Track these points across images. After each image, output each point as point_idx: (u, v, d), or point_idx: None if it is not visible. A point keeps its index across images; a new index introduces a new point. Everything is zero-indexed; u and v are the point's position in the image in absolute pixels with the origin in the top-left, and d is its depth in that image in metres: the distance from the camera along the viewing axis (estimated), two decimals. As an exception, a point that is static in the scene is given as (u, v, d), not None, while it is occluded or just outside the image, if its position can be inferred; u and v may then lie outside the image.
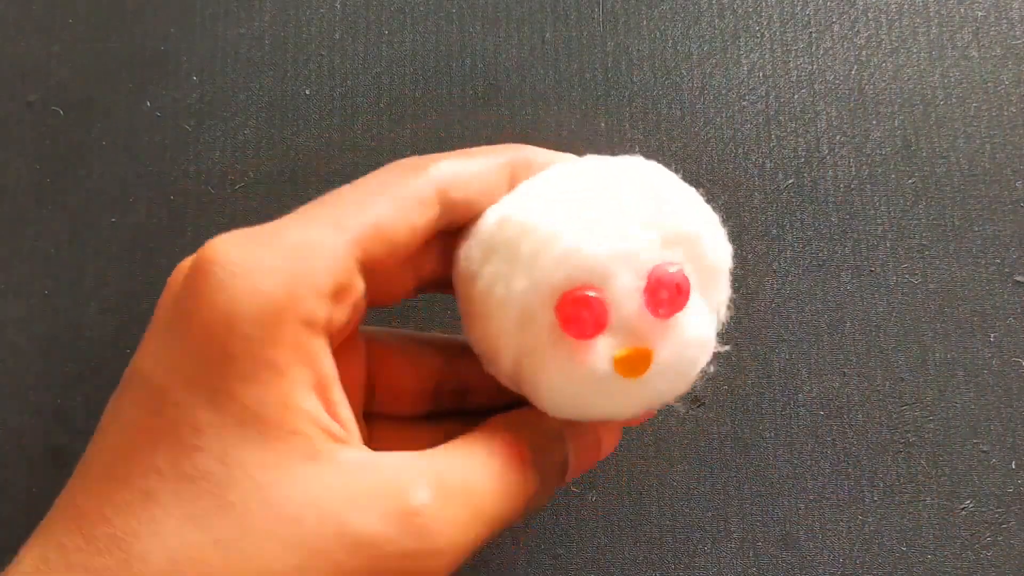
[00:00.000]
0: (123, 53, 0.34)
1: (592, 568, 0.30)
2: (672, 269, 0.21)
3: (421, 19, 0.34)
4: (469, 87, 0.34)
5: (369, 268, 0.21)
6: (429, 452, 0.21)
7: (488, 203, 0.23)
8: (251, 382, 0.19)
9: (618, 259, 0.21)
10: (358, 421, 0.23)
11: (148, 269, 0.32)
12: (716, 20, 0.34)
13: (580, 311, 0.21)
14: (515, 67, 0.34)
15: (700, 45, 0.34)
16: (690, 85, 0.34)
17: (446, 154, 0.23)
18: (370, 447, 0.21)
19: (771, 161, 0.33)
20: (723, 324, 0.23)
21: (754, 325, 0.32)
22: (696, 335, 0.22)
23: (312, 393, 0.20)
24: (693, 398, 0.31)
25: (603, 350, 0.21)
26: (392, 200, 0.21)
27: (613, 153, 0.33)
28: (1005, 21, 0.34)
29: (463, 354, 0.24)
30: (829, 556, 0.30)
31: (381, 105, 0.34)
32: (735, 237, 0.32)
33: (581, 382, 0.22)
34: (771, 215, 0.33)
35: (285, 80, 0.34)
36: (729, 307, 0.24)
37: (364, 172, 0.32)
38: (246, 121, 0.34)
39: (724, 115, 0.33)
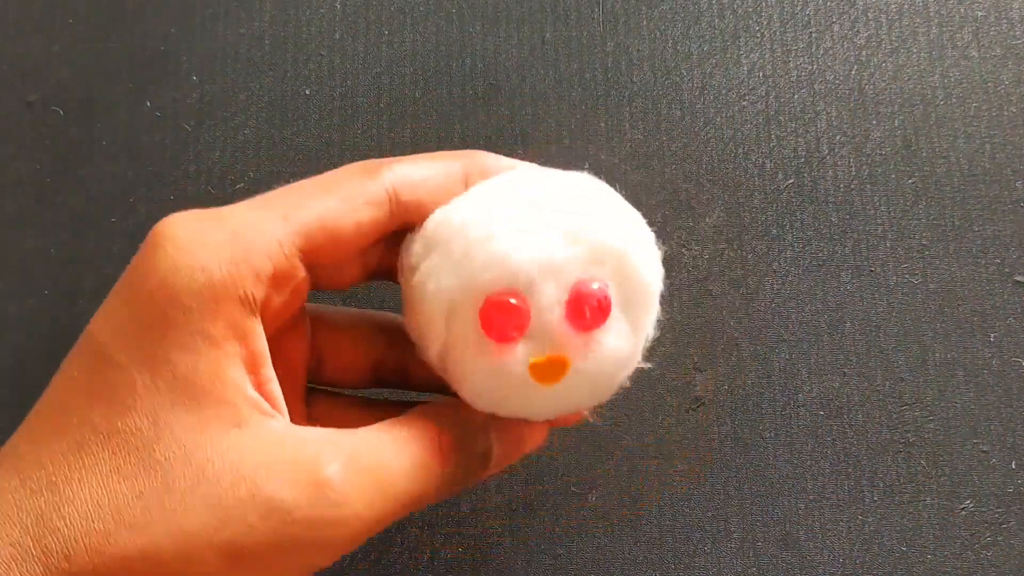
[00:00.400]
0: (123, 53, 0.34)
1: (592, 568, 0.30)
2: (595, 285, 0.22)
3: (421, 19, 0.34)
4: (469, 87, 0.34)
5: (313, 257, 0.23)
6: (349, 431, 0.22)
7: (439, 206, 0.24)
8: (187, 351, 0.20)
9: (543, 269, 0.22)
10: (300, 397, 0.25)
11: None
12: (716, 20, 0.34)
13: (501, 316, 0.22)
14: (515, 67, 0.34)
15: (700, 45, 0.34)
16: (690, 85, 0.34)
17: (402, 158, 0.24)
18: (308, 423, 0.22)
19: (771, 161, 0.33)
20: (649, 341, 0.24)
21: (754, 325, 0.32)
22: (614, 351, 0.23)
23: (242, 367, 0.21)
24: (693, 397, 0.31)
25: (521, 355, 0.23)
26: (341, 198, 0.23)
27: (612, 153, 0.33)
28: (1005, 21, 0.34)
29: (406, 336, 0.25)
30: (829, 556, 0.30)
31: (381, 105, 0.34)
32: (735, 237, 0.32)
33: (498, 382, 0.23)
34: (771, 215, 0.33)
35: (285, 80, 0.34)
36: (658, 326, 0.24)
37: None
38: (246, 121, 0.34)
39: (724, 115, 0.33)
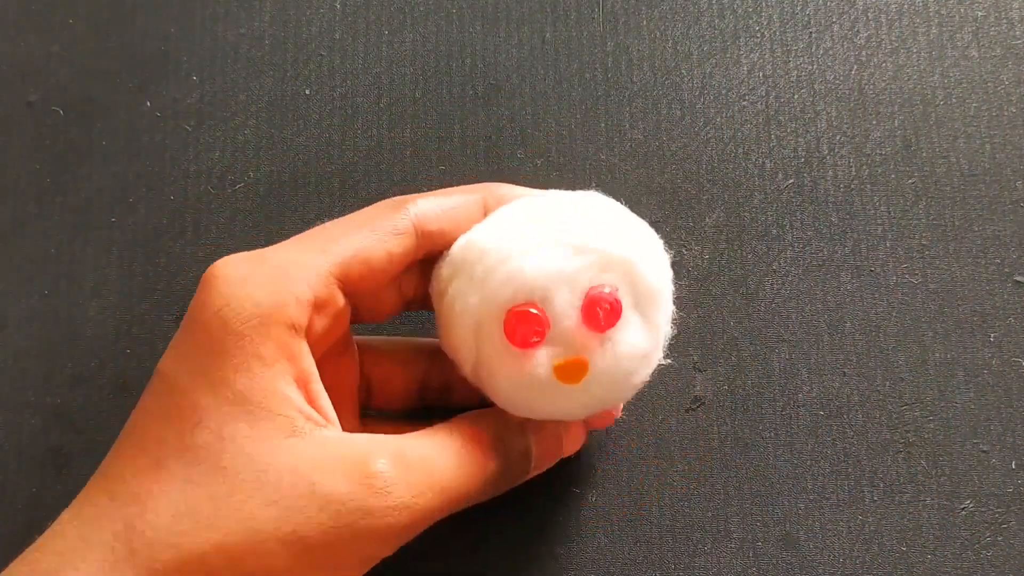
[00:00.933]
0: (123, 53, 0.34)
1: (592, 568, 0.30)
2: (605, 290, 0.25)
3: (421, 19, 0.34)
4: (469, 87, 0.34)
5: (350, 286, 0.25)
6: (396, 435, 0.24)
7: (461, 233, 0.27)
8: (243, 372, 0.23)
9: (556, 280, 0.25)
10: (354, 416, 0.28)
11: (148, 269, 0.33)
12: (716, 20, 0.34)
13: (522, 325, 0.25)
14: (515, 67, 0.34)
15: (700, 45, 0.34)
16: (690, 85, 0.34)
17: (426, 193, 0.27)
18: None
19: (771, 161, 0.33)
20: (667, 338, 0.26)
21: (754, 325, 0.32)
22: (630, 348, 0.25)
23: (293, 383, 0.24)
24: (693, 397, 0.31)
25: (544, 359, 0.25)
26: (372, 231, 0.26)
27: (612, 153, 0.33)
28: (1005, 21, 0.34)
29: (445, 357, 0.27)
30: (829, 556, 0.30)
31: (381, 105, 0.34)
32: (735, 237, 0.32)
33: (526, 386, 0.25)
34: (771, 215, 0.33)
35: (285, 80, 0.34)
36: (673, 323, 0.27)
37: (364, 172, 0.33)
38: (246, 121, 0.34)
39: (724, 115, 0.33)
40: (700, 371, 0.31)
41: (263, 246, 0.31)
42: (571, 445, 0.29)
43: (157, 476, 0.22)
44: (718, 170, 0.33)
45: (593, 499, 0.30)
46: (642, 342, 0.26)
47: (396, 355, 0.30)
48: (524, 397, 0.26)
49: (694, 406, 0.31)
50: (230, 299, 0.24)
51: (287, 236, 0.31)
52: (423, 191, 0.32)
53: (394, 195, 0.32)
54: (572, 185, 0.31)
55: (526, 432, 0.27)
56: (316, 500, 0.22)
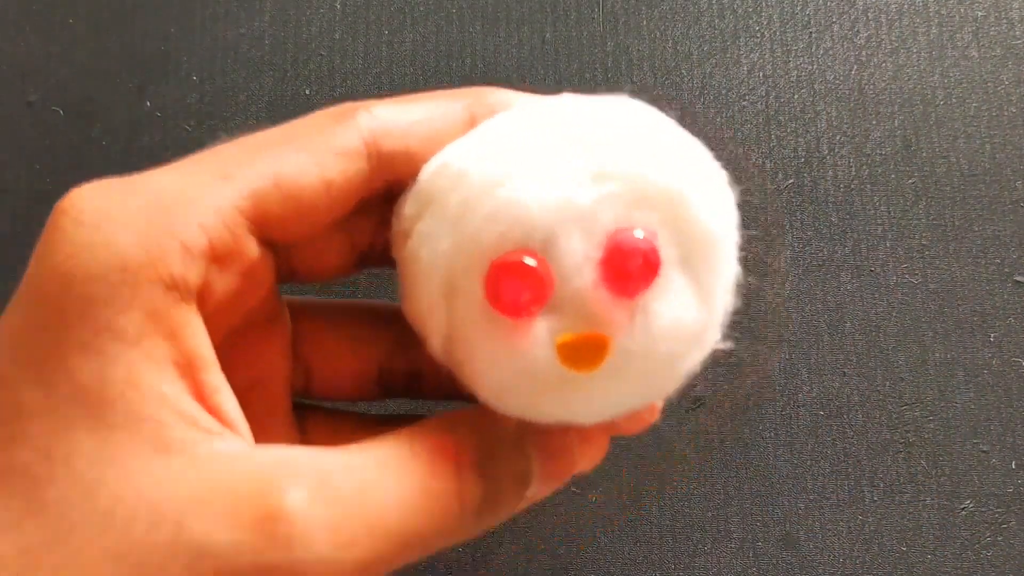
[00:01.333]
0: (123, 53, 0.34)
1: (592, 568, 0.30)
2: (638, 234, 0.17)
3: (421, 19, 0.34)
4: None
5: (269, 229, 0.18)
6: (328, 449, 0.16)
7: (427, 155, 0.18)
8: (90, 353, 0.15)
9: (566, 218, 0.17)
10: (283, 417, 0.20)
11: None
12: (716, 20, 0.34)
13: (511, 282, 0.16)
14: (515, 67, 0.34)
15: (700, 45, 0.34)
16: (690, 85, 0.34)
17: (387, 99, 0.19)
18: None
19: (771, 161, 0.33)
20: (727, 313, 0.19)
21: (754, 326, 0.32)
22: (672, 323, 0.17)
23: (172, 371, 0.16)
24: (694, 398, 0.31)
25: (543, 333, 0.17)
26: (303, 149, 0.18)
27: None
28: (1005, 21, 0.34)
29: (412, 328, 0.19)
30: (829, 556, 0.30)
31: (381, 105, 0.34)
32: (735, 237, 0.32)
33: (518, 373, 0.17)
34: (771, 215, 0.33)
35: (285, 80, 0.34)
36: (738, 291, 0.19)
37: None
38: (246, 121, 0.34)
39: (724, 115, 0.33)
40: (700, 371, 0.31)
41: None
42: (589, 459, 0.21)
43: None
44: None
45: (593, 499, 0.30)
46: (689, 315, 0.18)
47: (346, 326, 0.21)
48: (517, 390, 0.18)
49: (694, 406, 0.31)
50: (80, 247, 0.16)
51: None
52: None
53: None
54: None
55: (524, 445, 0.19)
56: (183, 553, 0.14)
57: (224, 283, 0.17)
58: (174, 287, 0.16)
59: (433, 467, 0.17)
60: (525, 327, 0.17)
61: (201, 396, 0.16)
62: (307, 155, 0.18)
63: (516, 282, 0.16)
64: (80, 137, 0.33)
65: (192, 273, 0.17)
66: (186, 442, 0.16)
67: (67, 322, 0.16)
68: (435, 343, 0.18)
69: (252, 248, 0.18)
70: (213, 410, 0.17)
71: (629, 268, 0.17)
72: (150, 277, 0.16)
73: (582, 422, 0.19)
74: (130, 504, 0.15)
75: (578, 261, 0.17)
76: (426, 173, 0.18)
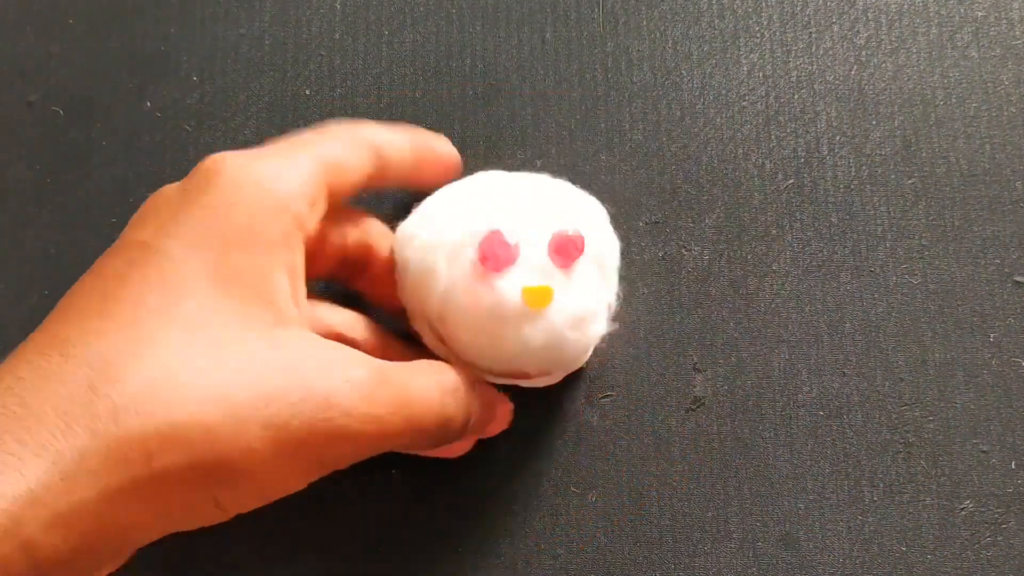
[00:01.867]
0: (123, 53, 0.34)
1: (592, 568, 0.30)
2: (570, 232, 0.27)
3: (421, 19, 0.34)
4: (469, 87, 0.34)
5: (328, 194, 0.25)
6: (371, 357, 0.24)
7: (400, 169, 0.28)
8: (245, 253, 0.23)
9: (526, 222, 0.27)
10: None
11: None
12: (716, 20, 0.34)
13: (497, 247, 0.27)
14: (515, 67, 0.34)
15: (700, 45, 0.34)
16: (690, 85, 0.34)
17: (372, 122, 0.28)
18: None
19: (771, 161, 0.33)
20: (612, 309, 0.29)
21: (753, 326, 0.32)
22: (585, 295, 0.28)
23: (286, 276, 0.24)
24: (693, 398, 0.31)
25: (513, 282, 0.27)
26: (345, 144, 0.26)
27: (612, 154, 0.33)
28: (1005, 21, 0.34)
29: (372, 231, 0.28)
30: (829, 556, 0.30)
31: (381, 105, 0.34)
32: (735, 237, 0.32)
33: (494, 313, 0.27)
34: (771, 215, 0.33)
35: (285, 80, 0.34)
36: (618, 297, 0.29)
37: None
38: (246, 122, 0.34)
39: (724, 115, 0.34)
40: (700, 371, 0.31)
41: None
42: (499, 423, 0.29)
43: (130, 337, 0.21)
44: (718, 171, 0.33)
45: (593, 499, 0.31)
46: (597, 291, 0.28)
47: (331, 218, 0.28)
48: (489, 327, 0.27)
49: (694, 406, 0.31)
50: (243, 184, 0.23)
51: None
52: (424, 191, 0.32)
53: (394, 196, 0.32)
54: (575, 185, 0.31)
55: (474, 392, 0.27)
56: (301, 389, 0.22)
57: (312, 222, 0.25)
58: (297, 221, 0.24)
59: (435, 387, 0.25)
60: (502, 277, 0.27)
61: (294, 296, 0.24)
62: (348, 148, 0.26)
63: (499, 249, 0.27)
64: (80, 137, 0.34)
65: (306, 213, 0.24)
66: (292, 322, 0.23)
67: (232, 231, 0.23)
68: (434, 302, 0.27)
69: (323, 204, 0.25)
70: (297, 306, 0.24)
71: (568, 247, 0.27)
72: (287, 211, 0.24)
73: (519, 364, 0.28)
74: (264, 353, 0.22)
75: (534, 244, 0.27)
76: (429, 202, 0.29)
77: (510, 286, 0.27)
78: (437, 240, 0.27)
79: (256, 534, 0.30)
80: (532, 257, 0.27)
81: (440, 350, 0.28)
